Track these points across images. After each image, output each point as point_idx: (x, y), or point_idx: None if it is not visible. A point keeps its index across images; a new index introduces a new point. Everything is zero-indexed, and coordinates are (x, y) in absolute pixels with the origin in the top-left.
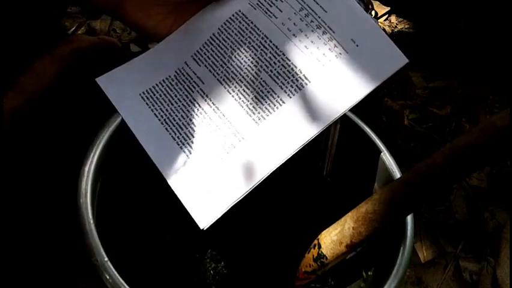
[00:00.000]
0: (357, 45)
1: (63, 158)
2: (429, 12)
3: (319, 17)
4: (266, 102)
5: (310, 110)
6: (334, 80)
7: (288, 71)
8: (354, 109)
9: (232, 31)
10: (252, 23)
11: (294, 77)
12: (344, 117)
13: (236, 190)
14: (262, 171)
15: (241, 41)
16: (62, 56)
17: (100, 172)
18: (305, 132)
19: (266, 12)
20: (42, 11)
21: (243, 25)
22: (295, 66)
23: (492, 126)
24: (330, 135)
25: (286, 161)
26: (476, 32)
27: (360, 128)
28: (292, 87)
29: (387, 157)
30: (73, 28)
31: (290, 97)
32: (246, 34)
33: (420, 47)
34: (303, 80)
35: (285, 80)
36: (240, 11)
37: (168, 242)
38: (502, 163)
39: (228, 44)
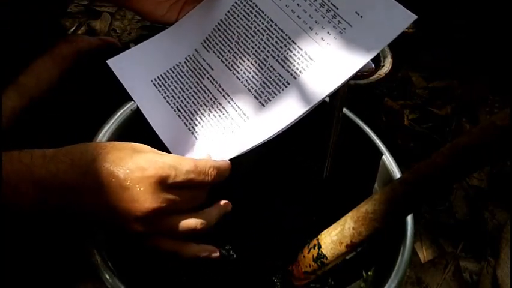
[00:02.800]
0: (361, 17)
1: None
2: (429, 11)
3: None
4: (273, 86)
5: (314, 85)
6: (338, 55)
7: (294, 54)
8: (354, 109)
9: (238, 16)
10: (256, 6)
11: (299, 59)
12: (344, 117)
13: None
14: (263, 136)
15: (247, 25)
16: (62, 56)
17: None
18: (307, 102)
19: None
20: (43, 10)
21: (248, 9)
22: (301, 49)
23: (492, 126)
24: (330, 135)
25: (287, 161)
26: (476, 31)
27: (360, 128)
28: (298, 69)
29: (387, 158)
30: (73, 28)
31: (295, 78)
32: (252, 18)
33: (420, 47)
34: (308, 61)
35: (291, 63)
36: None
37: None
38: (502, 163)
39: (235, 29)
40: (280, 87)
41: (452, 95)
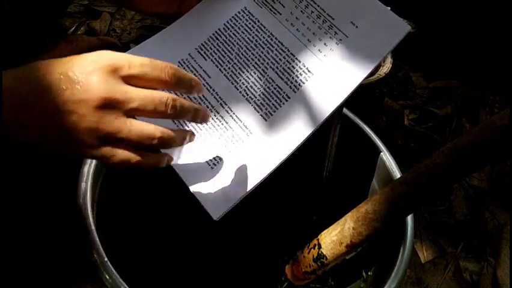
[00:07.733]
0: (356, 27)
1: (62, 158)
2: (429, 11)
3: (318, 6)
4: (273, 99)
5: (315, 101)
6: (336, 67)
7: (292, 66)
8: (354, 109)
9: (239, 28)
10: (258, 21)
11: (298, 72)
12: (344, 117)
13: (246, 183)
14: (271, 165)
15: (248, 38)
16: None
17: (100, 172)
18: (313, 120)
19: (271, 10)
20: (43, 10)
21: (250, 23)
22: (299, 61)
23: (492, 126)
24: (330, 135)
25: (287, 161)
26: (476, 31)
27: (360, 128)
28: (297, 82)
29: (387, 157)
30: (73, 28)
31: (295, 92)
32: (253, 32)
33: (420, 47)
34: (306, 74)
35: (290, 75)
36: (245, 8)
37: (169, 242)
38: (502, 163)
39: (235, 40)
40: (281, 101)
41: (452, 95)
